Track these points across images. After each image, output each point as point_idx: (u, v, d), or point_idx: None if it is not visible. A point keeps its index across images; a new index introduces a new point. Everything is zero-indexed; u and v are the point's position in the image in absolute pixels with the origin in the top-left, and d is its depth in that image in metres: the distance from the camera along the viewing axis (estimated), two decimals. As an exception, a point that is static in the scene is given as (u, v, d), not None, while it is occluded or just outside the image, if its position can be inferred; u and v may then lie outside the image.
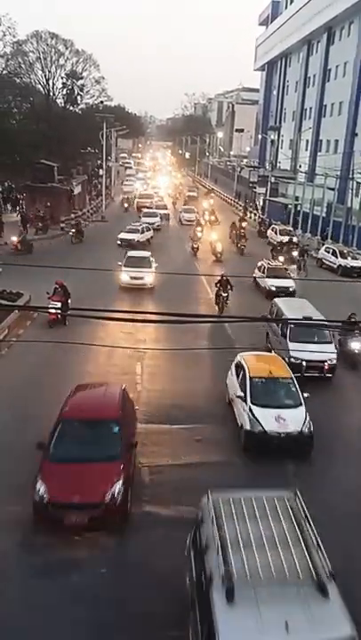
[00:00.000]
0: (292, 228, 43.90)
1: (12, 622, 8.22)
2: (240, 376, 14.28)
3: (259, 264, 28.42)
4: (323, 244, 37.59)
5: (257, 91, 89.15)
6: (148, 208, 49.67)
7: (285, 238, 39.95)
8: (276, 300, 20.60)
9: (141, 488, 11.37)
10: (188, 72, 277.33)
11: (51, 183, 42.96)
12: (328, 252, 34.19)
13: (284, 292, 25.00)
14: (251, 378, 13.74)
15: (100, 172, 59.81)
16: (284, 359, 16.02)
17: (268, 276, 26.80)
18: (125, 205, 54.81)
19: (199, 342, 19.11)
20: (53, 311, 19.39)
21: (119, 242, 36.27)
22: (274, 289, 25.57)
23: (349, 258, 33.03)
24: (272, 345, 18.74)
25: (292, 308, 19.21)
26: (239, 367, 14.69)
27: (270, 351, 17.92)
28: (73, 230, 37.82)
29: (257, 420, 12.74)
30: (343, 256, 33.02)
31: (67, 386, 15.50)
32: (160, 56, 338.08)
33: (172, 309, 18.24)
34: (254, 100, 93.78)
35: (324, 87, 54.65)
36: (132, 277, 25.57)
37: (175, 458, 12.51)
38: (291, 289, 25.69)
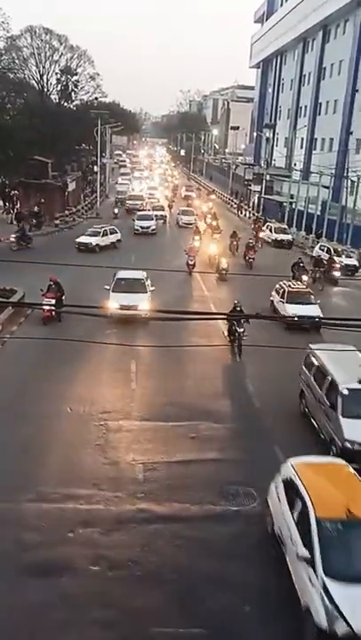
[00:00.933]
0: (286, 226, 43.95)
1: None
2: (297, 510, 8.86)
3: (277, 286, 22.99)
4: (317, 242, 37.62)
5: (252, 88, 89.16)
6: (138, 210, 45.33)
7: (281, 236, 40.07)
8: (316, 351, 14.53)
9: (135, 485, 11.37)
10: (184, 69, 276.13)
11: (45, 179, 42.78)
12: (323, 251, 34.21)
13: (310, 323, 20.56)
14: (318, 521, 8.25)
15: (95, 168, 59.59)
16: (333, 440, 12.17)
17: (288, 302, 21.81)
18: (115, 212, 45.87)
19: (194, 340, 19.07)
20: (47, 308, 19.27)
21: (77, 246, 32.52)
22: (296, 318, 20.59)
23: (343, 256, 33.07)
24: (311, 411, 14.12)
25: (341, 366, 13.23)
26: (293, 491, 9.25)
27: (309, 419, 14.10)
28: (13, 236, 31.75)
29: (338, 612, 7.33)
30: (338, 254, 33.05)
31: (61, 383, 15.58)
32: (155, 53, 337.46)
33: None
34: (250, 97, 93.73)
35: (319, 85, 54.71)
36: (122, 306, 20.03)
37: (169, 455, 12.49)
38: (318, 318, 20.51)
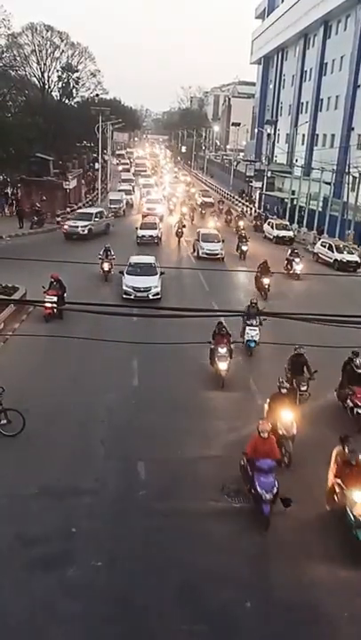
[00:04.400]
0: (288, 223, 43.93)
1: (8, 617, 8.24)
2: None
3: None
4: (319, 239, 37.59)
5: (253, 84, 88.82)
6: (78, 235, 33.86)
7: (282, 232, 40.08)
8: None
9: (137, 481, 11.42)
10: (185, 65, 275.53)
11: (46, 177, 42.81)
12: (324, 247, 34.21)
13: None
14: None
15: (97, 165, 59.51)
16: None
17: None
18: (106, 269, 25.75)
19: (199, 337, 19.02)
20: (49, 305, 19.36)
21: None
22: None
23: (345, 252, 33.06)
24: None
25: None
26: None
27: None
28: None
29: None
30: (339, 250, 33.05)
31: (63, 380, 15.63)
32: (156, 49, 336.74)
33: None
34: (251, 93, 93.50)
35: (320, 81, 54.51)
36: None
37: (171, 452, 12.52)
38: None
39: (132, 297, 23.08)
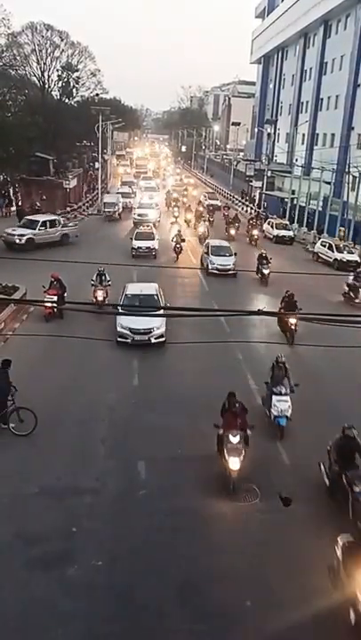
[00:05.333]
0: (288, 222, 43.91)
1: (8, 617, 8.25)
2: None
3: None
4: (319, 238, 37.58)
5: (253, 84, 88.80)
6: (18, 245, 29.16)
7: (282, 232, 40.10)
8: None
9: (137, 480, 11.43)
10: (185, 65, 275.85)
11: (46, 176, 42.80)
12: (324, 246, 34.19)
13: None
14: None
15: (96, 164, 59.47)
16: None
17: None
18: (99, 297, 20.77)
19: (198, 336, 19.05)
20: (49, 305, 19.35)
21: None
22: None
23: (345, 252, 33.03)
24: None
25: None
26: None
27: None
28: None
29: None
30: (339, 250, 33.02)
31: (64, 379, 15.64)
32: (156, 49, 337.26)
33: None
34: (251, 93, 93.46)
35: (320, 80, 54.47)
36: None
37: (171, 450, 12.53)
38: None
39: (128, 341, 17.97)
